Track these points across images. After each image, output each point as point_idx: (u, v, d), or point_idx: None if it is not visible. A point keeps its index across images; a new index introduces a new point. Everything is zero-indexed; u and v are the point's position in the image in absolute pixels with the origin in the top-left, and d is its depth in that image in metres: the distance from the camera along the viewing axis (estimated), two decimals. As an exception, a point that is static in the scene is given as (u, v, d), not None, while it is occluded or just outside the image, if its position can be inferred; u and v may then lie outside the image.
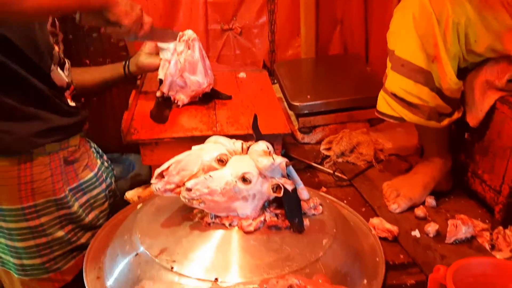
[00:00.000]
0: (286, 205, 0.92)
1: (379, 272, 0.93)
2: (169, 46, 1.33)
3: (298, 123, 1.64)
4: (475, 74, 1.15)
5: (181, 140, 1.24)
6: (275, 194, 0.90)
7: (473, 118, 1.16)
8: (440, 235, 1.11)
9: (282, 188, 0.90)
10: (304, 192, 0.98)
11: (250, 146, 0.98)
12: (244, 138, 1.04)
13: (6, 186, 1.01)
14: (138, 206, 1.07)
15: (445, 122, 1.16)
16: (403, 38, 1.10)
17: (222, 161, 0.94)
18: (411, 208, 1.21)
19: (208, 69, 1.38)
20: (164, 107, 1.36)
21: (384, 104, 1.18)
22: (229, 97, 1.47)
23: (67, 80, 1.11)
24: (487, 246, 1.08)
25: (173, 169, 0.92)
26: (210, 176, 0.89)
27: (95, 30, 1.86)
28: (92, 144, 1.26)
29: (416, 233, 1.12)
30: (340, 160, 1.49)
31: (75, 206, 1.11)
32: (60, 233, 1.09)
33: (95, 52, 1.91)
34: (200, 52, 1.35)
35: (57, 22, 1.14)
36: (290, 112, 1.62)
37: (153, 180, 0.93)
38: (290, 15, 1.97)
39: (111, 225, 1.09)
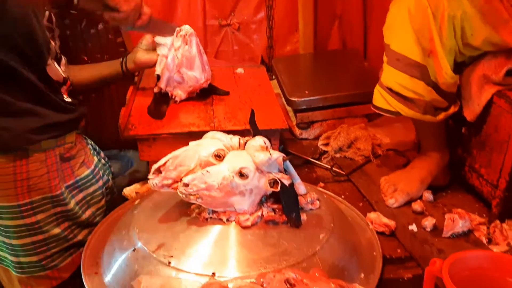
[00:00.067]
0: (283, 200, 0.92)
1: (376, 266, 0.94)
2: (166, 41, 1.33)
3: (296, 119, 1.64)
4: (472, 69, 1.15)
5: (179, 135, 1.24)
6: (272, 189, 0.91)
7: (470, 113, 1.16)
8: (437, 229, 1.11)
9: (279, 183, 0.90)
10: (301, 187, 0.98)
11: (247, 141, 0.98)
12: (242, 133, 1.04)
13: (2, 183, 1.01)
14: (136, 202, 1.08)
15: (441, 116, 1.16)
16: (399, 32, 1.10)
17: (219, 157, 0.94)
18: (408, 203, 1.21)
19: (205, 65, 1.38)
20: (161, 103, 1.36)
21: (380, 99, 1.18)
22: (227, 93, 1.47)
23: (63, 75, 1.10)
24: (484, 240, 1.08)
25: (170, 164, 0.93)
26: (207, 171, 0.89)
27: (92, 25, 1.86)
28: (89, 141, 1.25)
29: (413, 227, 1.12)
30: (338, 155, 1.49)
31: (72, 203, 1.11)
32: (57, 230, 1.09)
33: (93, 48, 1.90)
34: (198, 47, 1.35)
35: (53, 18, 1.13)
36: (288, 108, 1.62)
37: (150, 176, 0.93)
38: (288, 10, 1.97)
39: (109, 221, 1.10)
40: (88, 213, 1.16)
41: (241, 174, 0.89)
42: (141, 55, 1.34)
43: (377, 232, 1.07)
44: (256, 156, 0.91)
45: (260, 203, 0.94)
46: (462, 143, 1.25)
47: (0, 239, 1.07)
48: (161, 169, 0.93)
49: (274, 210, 0.94)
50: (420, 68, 1.09)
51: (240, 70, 1.67)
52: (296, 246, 0.87)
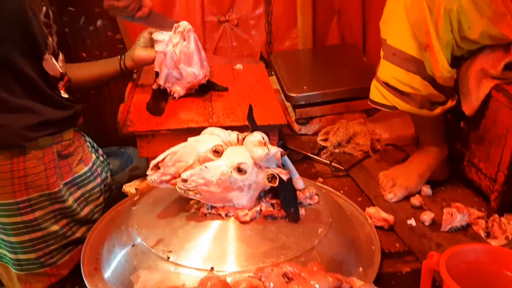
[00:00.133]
0: (282, 194, 0.93)
1: (374, 260, 0.94)
2: (164, 38, 1.33)
3: (295, 114, 1.64)
4: (470, 63, 1.15)
5: (178, 132, 1.24)
6: (271, 184, 0.91)
7: (469, 107, 1.16)
8: (435, 224, 1.11)
9: (277, 178, 0.91)
10: (299, 182, 0.98)
11: (245, 137, 0.99)
12: (241, 129, 1.04)
13: None
14: (135, 198, 1.08)
15: (438, 110, 1.16)
16: (395, 27, 1.10)
17: (217, 152, 0.94)
18: (407, 197, 1.21)
19: (204, 61, 1.38)
20: (160, 99, 1.36)
21: (377, 93, 1.18)
22: (226, 89, 1.47)
23: (60, 70, 1.10)
24: (483, 234, 1.08)
25: (169, 160, 0.93)
26: (205, 167, 0.90)
27: (91, 22, 1.86)
28: (87, 138, 1.25)
29: (411, 221, 1.12)
30: (337, 150, 1.49)
31: (70, 201, 1.11)
32: (55, 228, 1.09)
33: (91, 45, 1.91)
34: (196, 44, 1.35)
35: (50, 13, 1.13)
36: (287, 104, 1.62)
37: (148, 172, 0.93)
38: (287, 6, 1.96)
39: (109, 217, 1.10)
40: (86, 210, 1.16)
41: (239, 170, 0.89)
42: (139, 52, 1.34)
43: (376, 227, 1.07)
44: (254, 152, 0.91)
45: (259, 198, 0.94)
46: (460, 138, 1.25)
47: (-1, 237, 1.08)
48: (160, 165, 0.93)
49: (272, 205, 0.94)
50: (416, 63, 1.09)
51: (239, 66, 1.67)
52: (294, 240, 0.88)
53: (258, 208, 0.93)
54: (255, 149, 0.91)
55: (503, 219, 1.11)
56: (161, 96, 1.37)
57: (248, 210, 0.92)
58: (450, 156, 1.28)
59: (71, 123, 1.11)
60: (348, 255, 0.92)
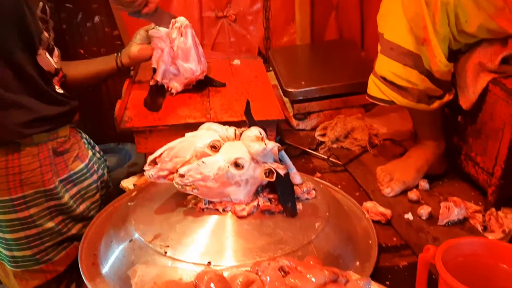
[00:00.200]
0: (279, 189, 0.93)
1: (371, 255, 0.94)
2: (161, 34, 1.33)
3: (293, 110, 1.64)
4: (468, 56, 1.15)
5: (175, 127, 1.24)
6: (268, 179, 0.91)
7: (466, 101, 1.16)
8: (432, 218, 1.12)
9: (275, 172, 0.91)
10: (296, 177, 0.98)
11: (243, 132, 0.99)
12: (238, 124, 1.04)
13: None
14: (133, 194, 1.08)
15: (435, 104, 1.16)
16: (392, 21, 1.10)
17: (215, 147, 0.94)
18: (404, 192, 1.21)
19: (201, 56, 1.38)
20: (157, 95, 1.36)
21: (375, 88, 1.18)
22: (223, 84, 1.46)
23: (55, 66, 1.10)
24: (480, 228, 1.08)
25: (166, 155, 0.93)
26: (203, 162, 0.90)
27: (88, 19, 1.86)
28: (84, 135, 1.25)
29: (409, 216, 1.13)
30: (334, 145, 1.49)
31: (66, 197, 1.11)
32: (50, 224, 1.09)
33: (89, 41, 1.91)
34: (193, 39, 1.35)
35: (47, 9, 1.12)
36: (285, 99, 1.62)
37: (146, 167, 0.93)
38: (284, 1, 1.96)
39: (106, 213, 1.10)
40: (82, 207, 1.16)
41: (237, 165, 0.90)
42: (135, 49, 1.34)
43: (373, 221, 1.07)
44: (251, 147, 0.91)
45: (256, 193, 0.94)
46: (458, 132, 1.26)
47: (-6, 233, 1.08)
48: (157, 160, 0.93)
49: (270, 200, 0.94)
50: (413, 57, 1.09)
51: (236, 62, 1.67)
52: (291, 235, 0.88)
53: (255, 203, 0.93)
54: (252, 144, 0.91)
55: (500, 213, 1.11)
56: (158, 92, 1.36)
57: (246, 205, 0.92)
58: (448, 150, 1.28)
59: (67, 119, 1.11)
60: (345, 249, 0.92)
